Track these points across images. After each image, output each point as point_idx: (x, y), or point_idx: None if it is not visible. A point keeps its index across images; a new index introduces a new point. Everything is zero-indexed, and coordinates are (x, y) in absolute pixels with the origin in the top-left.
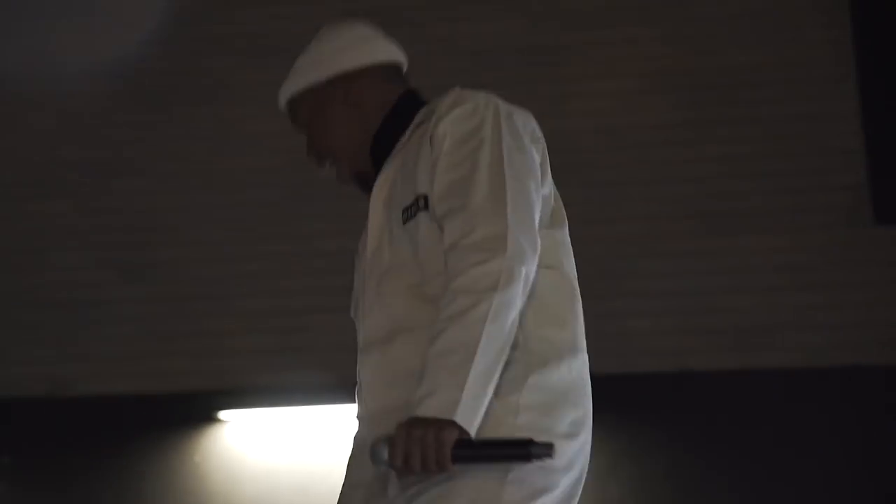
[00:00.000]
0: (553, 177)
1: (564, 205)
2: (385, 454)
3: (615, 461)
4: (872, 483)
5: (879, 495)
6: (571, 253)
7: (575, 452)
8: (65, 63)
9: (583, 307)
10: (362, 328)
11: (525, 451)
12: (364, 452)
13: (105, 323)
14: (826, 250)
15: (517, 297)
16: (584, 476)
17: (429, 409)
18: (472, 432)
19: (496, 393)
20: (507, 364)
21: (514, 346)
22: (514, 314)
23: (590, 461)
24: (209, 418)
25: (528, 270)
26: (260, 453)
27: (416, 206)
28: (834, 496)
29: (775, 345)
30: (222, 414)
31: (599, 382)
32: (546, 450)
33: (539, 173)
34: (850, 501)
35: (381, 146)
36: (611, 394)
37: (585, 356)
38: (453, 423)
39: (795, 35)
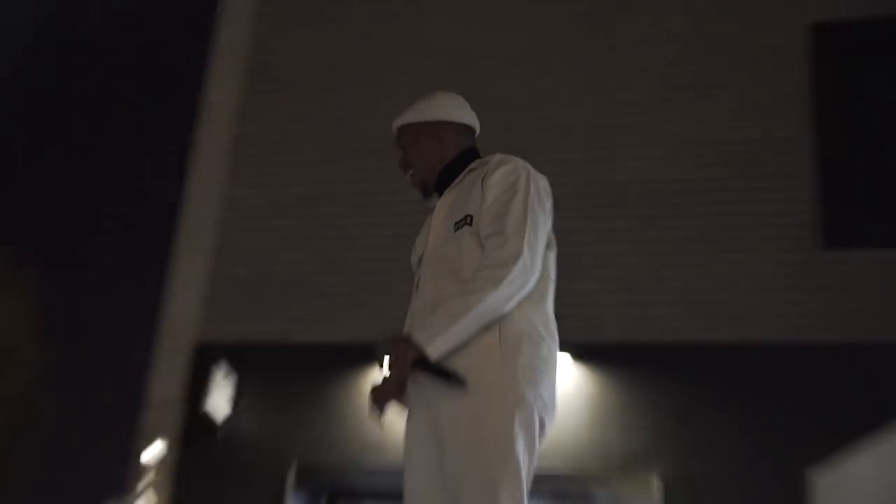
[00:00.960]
0: None
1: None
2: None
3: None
4: None
5: None
6: (555, 265)
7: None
8: None
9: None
10: (418, 295)
11: (449, 377)
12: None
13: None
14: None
15: (507, 297)
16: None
17: (419, 335)
18: (431, 358)
19: (498, 352)
20: (513, 336)
21: (520, 329)
22: (500, 306)
23: None
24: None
25: (526, 282)
26: None
27: (464, 222)
28: None
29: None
30: None
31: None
32: (461, 382)
33: (549, 218)
34: None
35: (445, 176)
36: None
37: (556, 339)
38: (421, 350)
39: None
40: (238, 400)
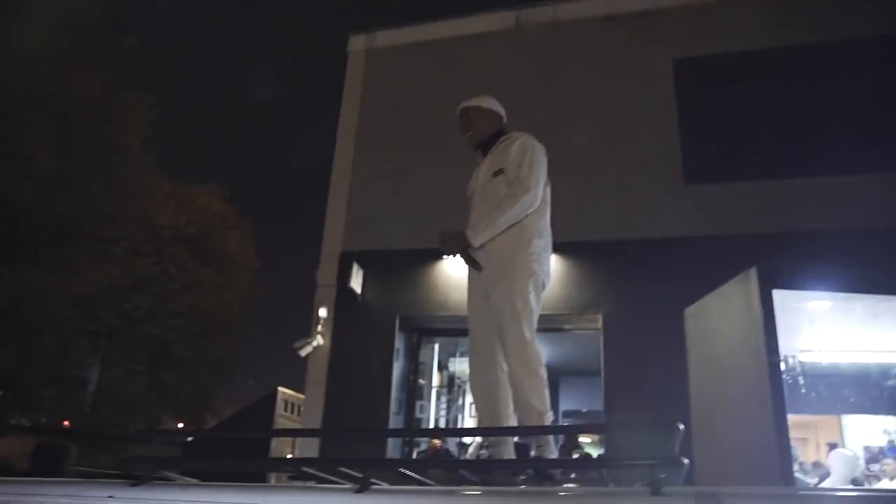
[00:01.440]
0: None
1: None
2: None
3: None
4: None
5: None
6: (549, 195)
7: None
8: None
9: None
10: (472, 213)
11: (475, 262)
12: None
13: None
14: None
15: (521, 212)
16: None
17: (469, 232)
18: (474, 245)
19: (520, 245)
20: (526, 234)
21: (531, 231)
22: (517, 216)
23: None
24: None
25: (532, 204)
26: None
27: (500, 172)
28: None
29: None
30: None
31: None
32: (479, 266)
33: (545, 168)
34: None
35: (488, 142)
36: None
37: (550, 237)
38: (468, 241)
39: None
40: (365, 282)
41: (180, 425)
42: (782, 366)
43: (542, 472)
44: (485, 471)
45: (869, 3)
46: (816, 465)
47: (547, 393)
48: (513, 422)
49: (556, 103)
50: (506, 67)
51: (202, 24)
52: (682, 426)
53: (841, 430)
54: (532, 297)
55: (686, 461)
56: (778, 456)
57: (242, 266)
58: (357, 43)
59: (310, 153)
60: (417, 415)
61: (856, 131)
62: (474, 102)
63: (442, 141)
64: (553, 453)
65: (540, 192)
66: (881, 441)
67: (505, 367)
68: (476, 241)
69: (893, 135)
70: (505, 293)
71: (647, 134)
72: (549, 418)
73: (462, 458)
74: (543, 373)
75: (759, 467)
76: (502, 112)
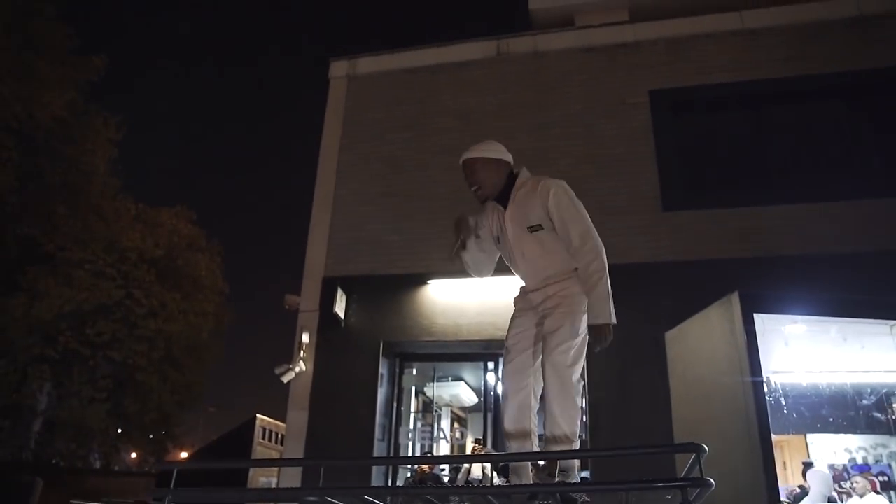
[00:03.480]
0: None
1: None
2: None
3: None
4: None
5: None
6: None
7: None
8: None
9: None
10: (517, 261)
11: None
12: (525, 296)
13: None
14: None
15: (605, 260)
16: None
17: (605, 316)
18: (614, 321)
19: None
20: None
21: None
22: (606, 266)
23: None
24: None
25: (602, 245)
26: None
27: (538, 228)
28: None
29: None
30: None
31: None
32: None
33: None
34: None
35: (503, 193)
36: None
37: None
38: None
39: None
40: (349, 307)
41: (133, 455)
42: (764, 387)
43: (567, 497)
44: (506, 495)
45: (832, 42)
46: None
47: (579, 421)
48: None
49: (535, 131)
50: (487, 95)
51: (175, 45)
52: (706, 447)
53: (807, 448)
54: (583, 331)
55: (713, 482)
56: (764, 476)
57: (210, 290)
58: (339, 68)
59: (286, 179)
60: (401, 440)
61: (827, 160)
62: (476, 154)
63: (424, 166)
64: (576, 477)
65: (598, 244)
66: (843, 459)
67: (537, 389)
68: (613, 319)
69: (862, 163)
70: (563, 320)
71: (625, 162)
72: (577, 445)
73: (454, 483)
74: (580, 401)
75: (746, 487)
76: (508, 157)
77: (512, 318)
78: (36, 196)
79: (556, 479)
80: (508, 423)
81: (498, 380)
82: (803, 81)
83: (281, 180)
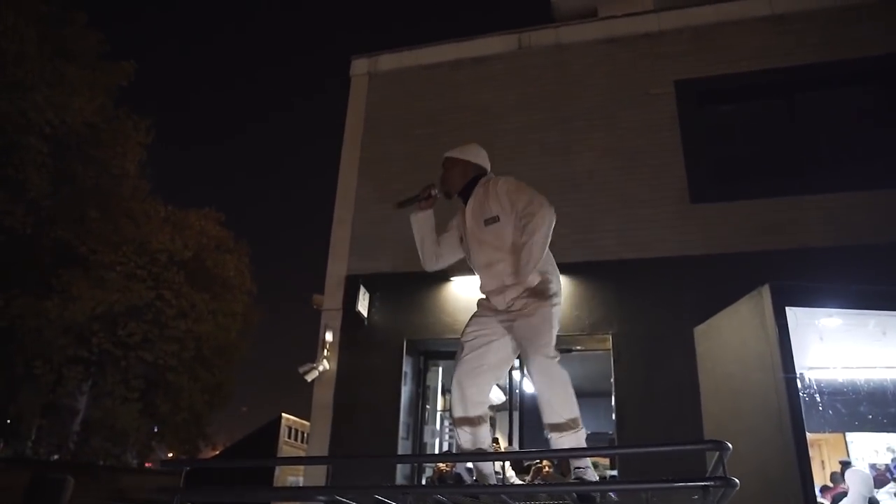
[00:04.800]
0: None
1: None
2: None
3: None
4: None
5: None
6: None
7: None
8: None
9: None
10: (474, 259)
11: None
12: (487, 300)
13: None
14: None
15: (551, 226)
16: None
17: (522, 277)
18: (534, 283)
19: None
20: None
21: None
22: (550, 232)
23: None
24: None
25: (553, 214)
26: None
27: (493, 220)
28: None
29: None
30: None
31: None
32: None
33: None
34: None
35: (465, 190)
36: None
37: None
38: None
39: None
40: (372, 305)
41: (170, 455)
42: (798, 383)
43: (586, 496)
44: (530, 494)
45: (864, 25)
46: (823, 488)
47: (576, 402)
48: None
49: (559, 125)
50: (508, 89)
51: (201, 48)
52: (730, 445)
53: (847, 447)
54: (555, 317)
55: (737, 482)
56: (799, 476)
57: (239, 290)
58: (359, 66)
59: (309, 179)
60: (426, 439)
61: (861, 148)
62: (452, 153)
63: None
64: (594, 475)
65: (551, 213)
66: (886, 458)
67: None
68: (534, 281)
69: None
70: (533, 318)
71: (651, 154)
72: (582, 430)
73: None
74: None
75: (779, 487)
76: (484, 163)
77: (472, 317)
78: (69, 200)
79: (573, 474)
80: (458, 412)
81: (524, 376)
82: (835, 67)
83: (305, 179)
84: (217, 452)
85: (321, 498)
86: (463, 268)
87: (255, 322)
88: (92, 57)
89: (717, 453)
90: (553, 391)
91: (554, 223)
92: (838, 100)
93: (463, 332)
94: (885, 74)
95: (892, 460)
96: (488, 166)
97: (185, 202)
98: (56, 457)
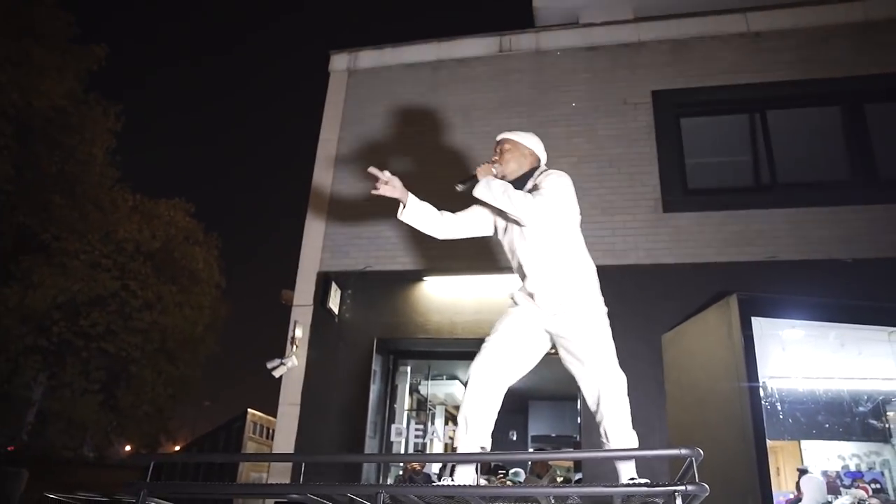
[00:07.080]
0: None
1: None
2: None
3: None
4: None
5: None
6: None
7: None
8: None
9: None
10: (519, 255)
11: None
12: (532, 298)
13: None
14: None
15: (515, 209)
16: None
17: (478, 192)
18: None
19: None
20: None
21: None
22: (508, 206)
23: None
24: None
25: (533, 213)
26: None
27: None
28: None
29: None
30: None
31: None
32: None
33: (574, 201)
34: None
35: (521, 179)
36: None
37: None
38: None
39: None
40: (343, 302)
41: (127, 448)
42: (761, 391)
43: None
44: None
45: (837, 46)
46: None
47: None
48: None
49: (536, 129)
50: (488, 91)
51: (175, 36)
52: (701, 451)
53: (801, 454)
54: (605, 328)
55: (707, 488)
56: (759, 482)
57: (207, 283)
58: (339, 61)
59: (283, 174)
60: (392, 438)
61: (828, 165)
62: (511, 135)
63: (422, 162)
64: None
65: (545, 212)
66: (837, 465)
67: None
68: (483, 195)
69: (865, 169)
70: (588, 339)
71: (626, 162)
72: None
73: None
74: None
75: (739, 493)
76: (541, 154)
77: (509, 308)
78: (32, 185)
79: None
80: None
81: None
82: (806, 85)
83: (279, 173)
84: (178, 448)
85: (295, 495)
86: (436, 267)
87: (223, 316)
88: (61, 39)
89: (689, 459)
90: (615, 415)
91: (524, 213)
92: (808, 117)
93: (498, 324)
94: (852, 95)
95: (843, 468)
96: (545, 158)
97: (155, 192)
98: (11, 448)
